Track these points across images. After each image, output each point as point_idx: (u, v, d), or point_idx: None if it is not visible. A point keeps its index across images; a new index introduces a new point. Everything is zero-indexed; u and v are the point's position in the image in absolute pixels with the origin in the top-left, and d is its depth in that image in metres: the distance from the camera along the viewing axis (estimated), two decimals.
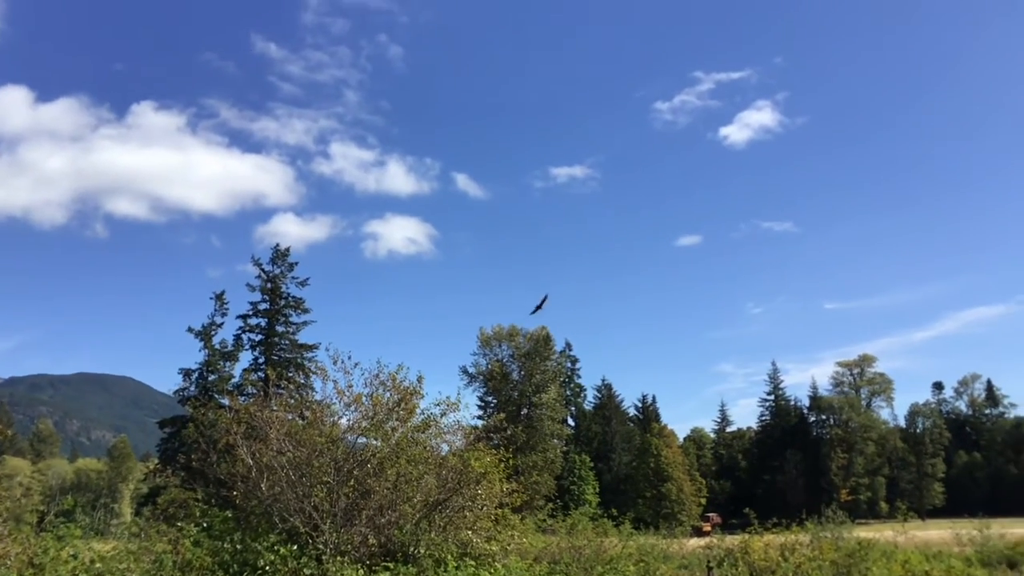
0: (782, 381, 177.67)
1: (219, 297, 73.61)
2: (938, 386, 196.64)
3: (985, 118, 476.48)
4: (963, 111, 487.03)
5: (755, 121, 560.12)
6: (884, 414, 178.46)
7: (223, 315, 73.37)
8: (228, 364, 71.65)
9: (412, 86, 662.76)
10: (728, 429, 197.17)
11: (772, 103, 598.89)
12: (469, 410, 23.89)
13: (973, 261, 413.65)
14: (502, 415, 30.59)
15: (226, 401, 37.64)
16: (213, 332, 71.99)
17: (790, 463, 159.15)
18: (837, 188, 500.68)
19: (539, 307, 46.77)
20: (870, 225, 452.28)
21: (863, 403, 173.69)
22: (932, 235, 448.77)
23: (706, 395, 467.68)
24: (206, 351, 71.07)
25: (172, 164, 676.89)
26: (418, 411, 21.66)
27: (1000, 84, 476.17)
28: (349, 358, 21.16)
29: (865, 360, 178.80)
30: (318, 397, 22.68)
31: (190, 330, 71.45)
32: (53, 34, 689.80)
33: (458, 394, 22.56)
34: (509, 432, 25.45)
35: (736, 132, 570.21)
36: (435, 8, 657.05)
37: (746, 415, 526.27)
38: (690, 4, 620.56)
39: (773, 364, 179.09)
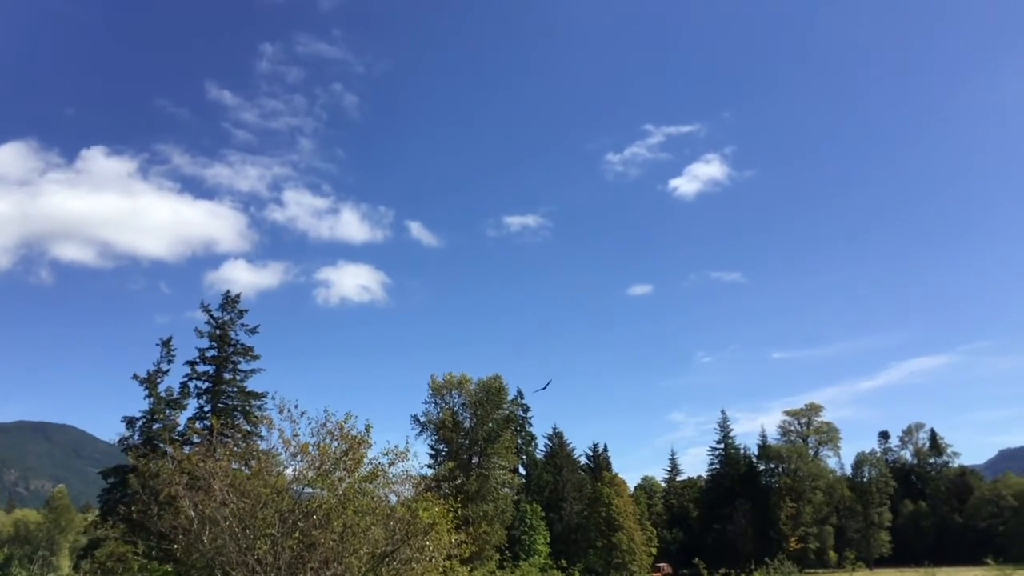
0: (732, 430, 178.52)
1: (166, 343, 72.35)
2: (884, 435, 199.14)
3: (931, 176, 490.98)
4: (909, 168, 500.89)
5: (704, 173, 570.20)
6: (831, 463, 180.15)
7: (169, 362, 72.04)
8: (173, 412, 70.20)
9: (367, 135, 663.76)
10: (679, 478, 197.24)
11: (720, 156, 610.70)
12: (419, 459, 23.73)
13: (916, 313, 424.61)
14: (452, 464, 30.46)
15: (170, 451, 36.88)
16: (159, 379, 70.60)
17: (739, 512, 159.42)
18: (784, 240, 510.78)
19: (544, 387, 47.56)
20: (816, 276, 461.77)
21: (811, 452, 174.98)
22: (876, 287, 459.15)
23: (657, 444, 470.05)
24: (151, 399, 69.64)
25: (122, 209, 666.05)
26: (366, 460, 21.48)
27: (949, 142, 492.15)
28: (296, 407, 21.00)
29: (812, 409, 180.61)
30: (264, 447, 22.41)
31: (135, 377, 70.00)
32: (3, 77, 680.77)
33: (407, 443, 22.41)
34: (459, 481, 25.28)
35: (685, 184, 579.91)
36: (390, 58, 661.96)
37: (697, 464, 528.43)
38: (640, 60, 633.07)
39: (723, 413, 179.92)
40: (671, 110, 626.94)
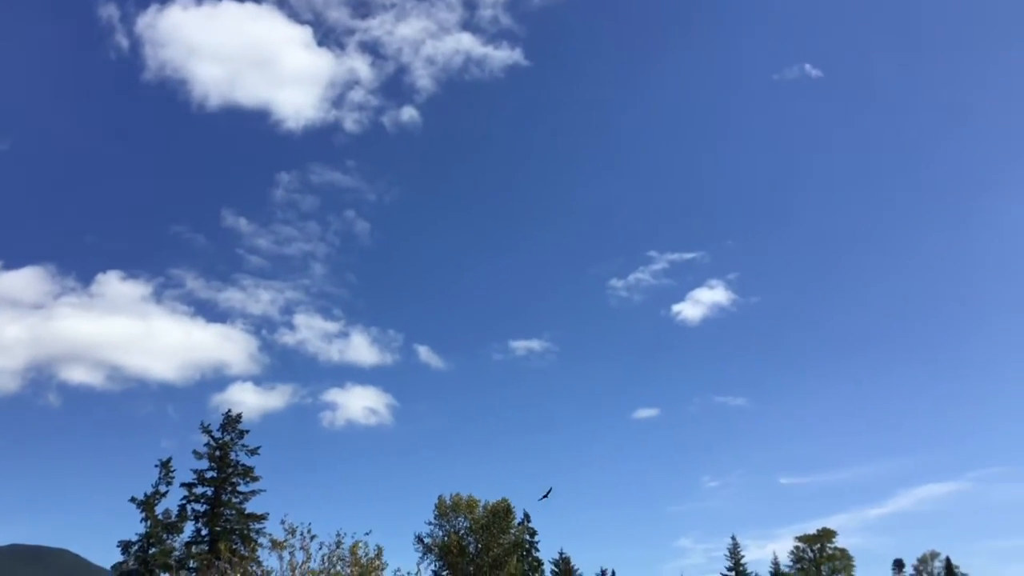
0: (743, 556, 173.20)
1: (164, 464, 71.04)
2: (898, 564, 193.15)
3: (933, 297, 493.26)
4: (909, 291, 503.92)
5: (708, 298, 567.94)
6: None
7: (168, 484, 70.64)
8: (171, 536, 68.41)
9: (378, 260, 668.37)
10: None
11: (724, 282, 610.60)
12: None
13: (923, 439, 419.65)
14: None
15: None
16: (156, 501, 69.09)
17: None
18: (790, 366, 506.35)
19: (546, 496, 46.90)
20: (822, 402, 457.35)
21: None
22: (883, 413, 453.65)
23: (665, 571, 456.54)
24: (147, 522, 67.95)
25: (133, 332, 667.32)
26: None
27: (948, 258, 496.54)
28: (308, 531, 19.93)
29: (825, 535, 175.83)
30: (276, 575, 21.19)
31: (132, 500, 68.53)
32: (24, 204, 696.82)
33: (418, 570, 21.40)
34: None
35: (689, 308, 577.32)
36: (401, 187, 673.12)
37: None
38: (644, 188, 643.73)
39: (733, 539, 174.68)
40: (674, 237, 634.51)
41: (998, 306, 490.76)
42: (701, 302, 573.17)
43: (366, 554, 20.17)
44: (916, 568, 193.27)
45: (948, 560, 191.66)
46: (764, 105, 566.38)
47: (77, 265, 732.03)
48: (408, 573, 21.01)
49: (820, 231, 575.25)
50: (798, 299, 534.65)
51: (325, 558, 19.96)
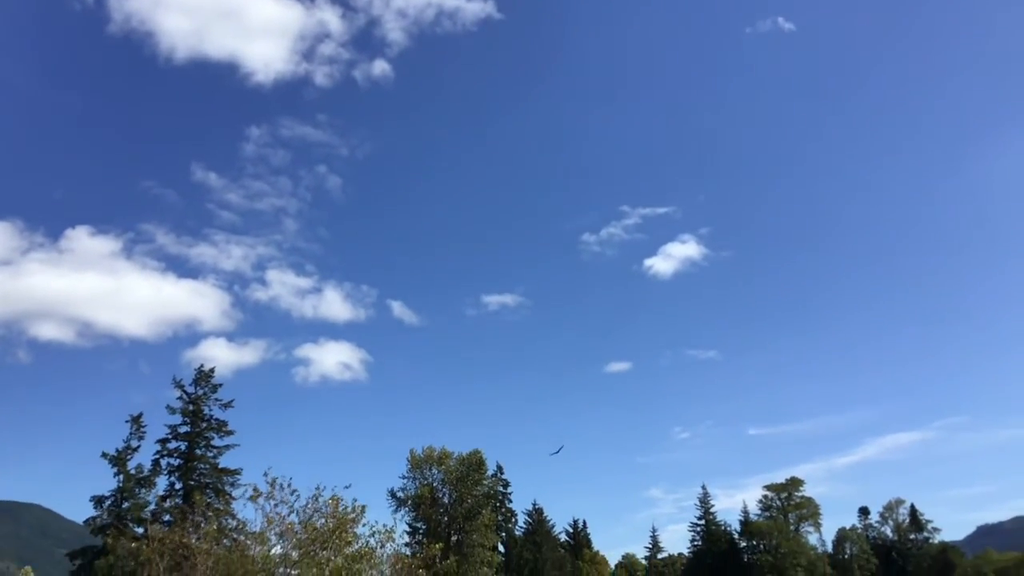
0: (712, 506, 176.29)
1: (136, 420, 70.66)
2: (864, 511, 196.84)
3: (901, 250, 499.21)
4: (877, 244, 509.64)
5: (679, 252, 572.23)
6: (812, 539, 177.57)
7: (140, 439, 70.33)
8: (144, 490, 68.24)
9: (350, 215, 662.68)
10: (660, 555, 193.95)
11: (696, 237, 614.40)
12: (401, 537, 22.62)
13: (889, 389, 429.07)
14: (439, 544, 29.00)
15: (141, 530, 35.30)
16: (128, 457, 68.83)
17: None
18: (759, 319, 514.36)
19: (558, 451, 47.00)
20: (789, 354, 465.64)
21: (791, 528, 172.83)
22: (849, 363, 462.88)
23: (636, 520, 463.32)
24: (120, 477, 67.70)
25: (103, 288, 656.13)
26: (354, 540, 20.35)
27: (916, 210, 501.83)
28: (289, 484, 19.85)
29: (793, 484, 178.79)
30: (252, 526, 21.11)
31: (104, 455, 68.16)
32: None
33: (394, 523, 21.48)
34: (440, 561, 24.09)
35: (660, 262, 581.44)
36: (373, 141, 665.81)
37: (676, 541, 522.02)
38: (618, 143, 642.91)
39: (703, 488, 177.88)
40: (647, 192, 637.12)
41: (965, 258, 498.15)
42: (673, 256, 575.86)
43: (346, 509, 20.13)
44: (882, 515, 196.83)
45: (913, 507, 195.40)
46: (738, 58, 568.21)
47: (45, 220, 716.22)
48: (384, 525, 20.87)
49: (791, 185, 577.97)
50: (769, 253, 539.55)
51: (301, 510, 19.91)
